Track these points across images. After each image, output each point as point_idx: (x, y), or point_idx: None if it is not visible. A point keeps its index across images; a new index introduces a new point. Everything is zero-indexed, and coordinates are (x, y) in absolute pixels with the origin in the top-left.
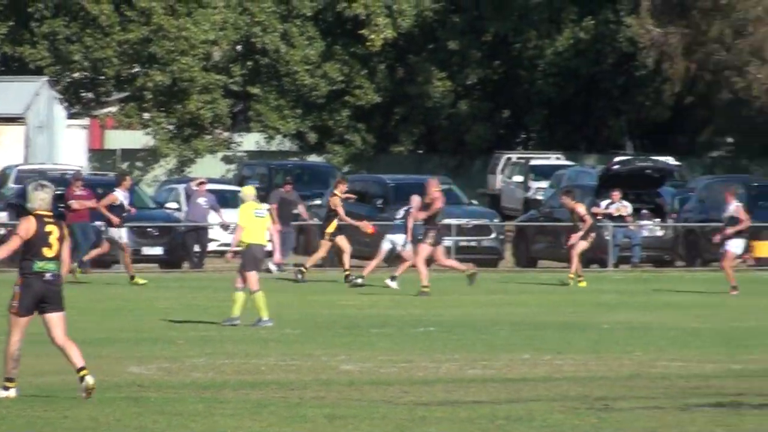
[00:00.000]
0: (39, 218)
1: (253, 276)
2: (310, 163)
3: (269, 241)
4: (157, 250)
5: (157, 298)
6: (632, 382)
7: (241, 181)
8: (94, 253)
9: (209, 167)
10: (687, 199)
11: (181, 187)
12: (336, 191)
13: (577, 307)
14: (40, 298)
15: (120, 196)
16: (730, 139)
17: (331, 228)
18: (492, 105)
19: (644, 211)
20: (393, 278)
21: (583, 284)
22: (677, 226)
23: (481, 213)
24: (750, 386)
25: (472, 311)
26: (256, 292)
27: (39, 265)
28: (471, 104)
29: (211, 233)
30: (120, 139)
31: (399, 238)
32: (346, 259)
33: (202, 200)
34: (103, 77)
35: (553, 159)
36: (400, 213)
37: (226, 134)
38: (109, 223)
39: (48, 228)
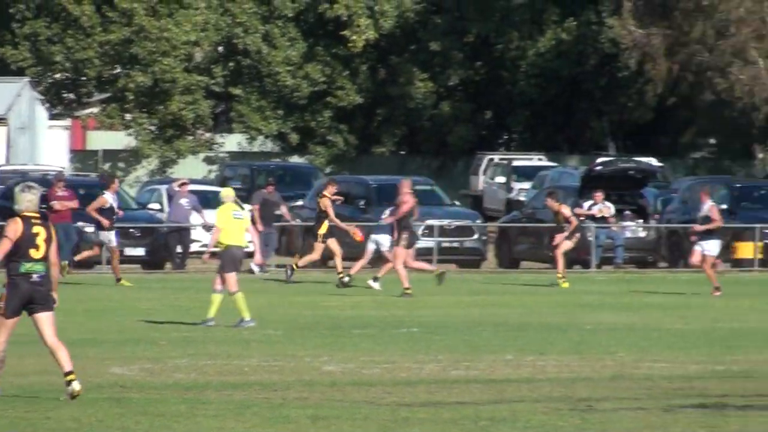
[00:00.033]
0: (26, 220)
1: (231, 277)
2: (292, 164)
3: (249, 242)
4: (140, 251)
5: (139, 299)
6: (615, 383)
7: (223, 182)
8: (86, 254)
9: (191, 168)
10: (669, 200)
11: (163, 188)
12: (325, 192)
13: (560, 308)
14: (28, 299)
15: (109, 198)
16: (712, 140)
17: (322, 229)
18: (474, 106)
19: (627, 212)
20: (375, 279)
21: (566, 285)
22: (660, 227)
23: (463, 214)
24: (733, 387)
25: (455, 312)
26: (236, 293)
27: (26, 266)
28: (453, 105)
29: (194, 234)
30: (102, 140)
31: (383, 239)
32: (338, 262)
33: (184, 201)
34: (84, 78)
35: (536, 160)
36: (386, 213)
37: (207, 135)
38: (100, 227)
39: (35, 229)
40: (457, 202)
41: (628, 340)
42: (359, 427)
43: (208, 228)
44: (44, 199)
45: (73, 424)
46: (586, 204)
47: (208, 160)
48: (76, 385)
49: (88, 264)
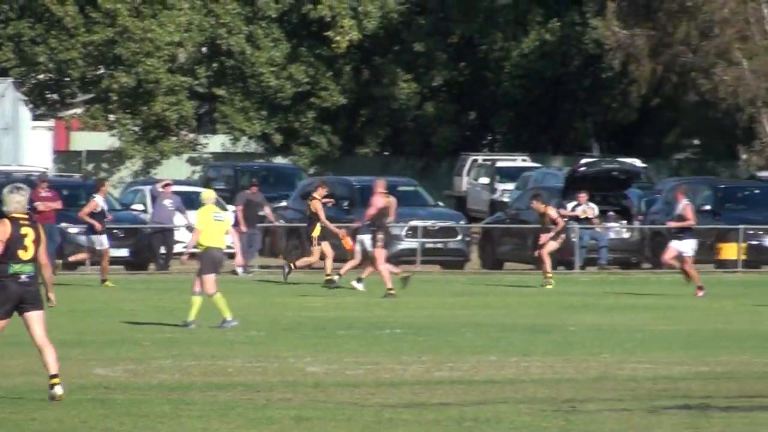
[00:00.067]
0: (14, 221)
1: (209, 279)
2: (275, 164)
3: (229, 245)
4: (123, 252)
5: (123, 300)
6: (599, 384)
7: (206, 182)
8: (80, 256)
9: (175, 169)
10: (653, 201)
11: (146, 189)
12: (315, 195)
13: (543, 309)
14: (18, 300)
15: (100, 201)
16: (696, 141)
17: (315, 232)
18: (458, 107)
19: (611, 213)
20: (359, 280)
21: (551, 286)
22: (644, 228)
23: (447, 215)
24: (717, 388)
25: (439, 313)
26: (214, 294)
27: (15, 267)
28: (437, 106)
29: (177, 235)
30: (85, 141)
31: (367, 238)
32: (329, 264)
33: (167, 202)
34: (68, 79)
35: (519, 161)
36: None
37: (191, 136)
38: (91, 230)
39: (23, 230)
40: (440, 203)
41: (612, 341)
42: (343, 428)
43: (191, 229)
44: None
45: (58, 425)
46: (570, 205)
47: (192, 161)
48: (58, 390)
49: (73, 265)
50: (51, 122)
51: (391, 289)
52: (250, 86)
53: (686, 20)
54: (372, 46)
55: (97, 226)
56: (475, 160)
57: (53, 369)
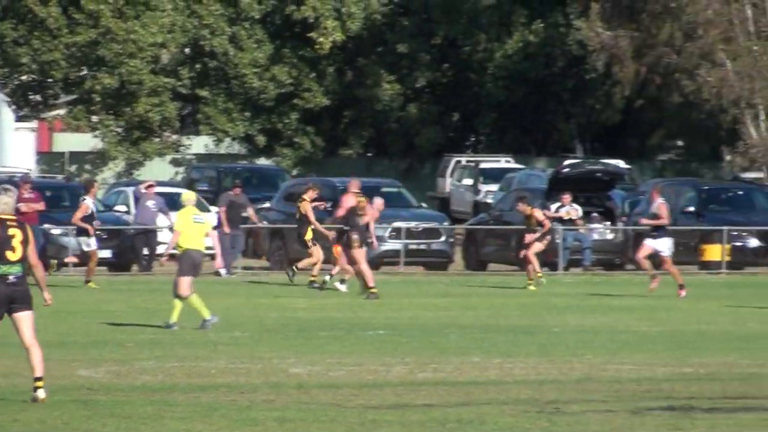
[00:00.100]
0: (2, 222)
1: (185, 281)
2: (258, 166)
3: (209, 247)
4: (106, 253)
5: (106, 301)
6: (583, 386)
7: (190, 183)
8: (72, 258)
9: (158, 170)
10: (637, 203)
11: (129, 190)
12: (305, 197)
13: (527, 311)
14: (8, 301)
15: (90, 204)
16: (680, 142)
17: (308, 235)
18: (441, 108)
19: (594, 215)
20: (342, 282)
21: (534, 288)
22: (627, 230)
23: (430, 216)
24: (700, 390)
25: (422, 314)
26: (188, 296)
27: (2, 269)
28: (420, 107)
29: (160, 236)
30: (68, 142)
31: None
32: (317, 266)
33: (150, 203)
34: (51, 80)
35: (503, 162)
36: None
37: (174, 137)
38: (84, 233)
39: (11, 231)
40: (424, 204)
41: (596, 342)
42: (326, 430)
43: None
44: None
45: (40, 426)
46: (554, 206)
47: (175, 162)
48: (41, 393)
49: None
50: (34, 123)
51: (372, 288)
52: (233, 87)
53: (670, 21)
54: (355, 48)
55: (91, 230)
56: (459, 162)
57: (38, 372)
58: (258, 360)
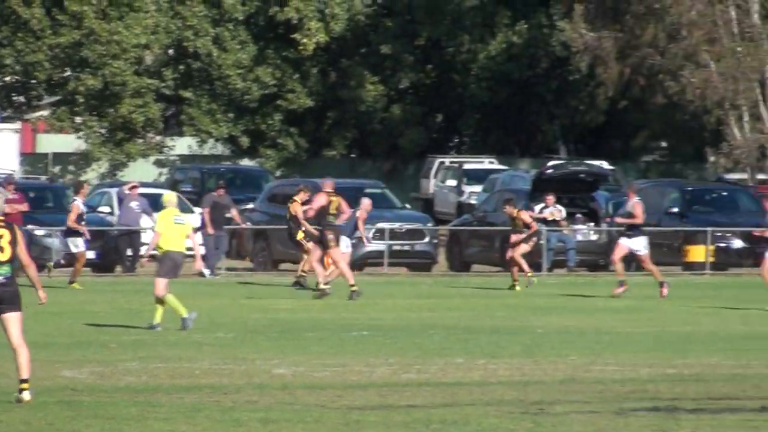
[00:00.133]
0: None
1: (161, 282)
2: (242, 167)
3: (190, 248)
4: (90, 254)
5: (89, 302)
6: (567, 387)
7: (173, 185)
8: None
9: (141, 171)
10: (621, 204)
11: (113, 191)
12: (296, 198)
13: (511, 311)
14: None
15: (80, 205)
16: (664, 144)
17: (300, 236)
18: (425, 109)
19: (578, 216)
20: (326, 283)
21: (519, 289)
22: (611, 231)
23: (414, 217)
24: (685, 390)
25: (406, 315)
26: (164, 297)
27: None
28: (404, 108)
29: (144, 237)
30: (52, 143)
31: (342, 241)
32: (304, 266)
33: (134, 204)
34: (34, 81)
35: (487, 163)
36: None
37: (158, 138)
38: (74, 234)
39: None
40: (407, 206)
41: (580, 343)
42: (310, 431)
43: None
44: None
45: (24, 427)
46: (538, 207)
47: (159, 163)
48: (26, 395)
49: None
50: (17, 124)
51: (353, 286)
52: (216, 88)
53: (654, 22)
54: (339, 49)
55: (86, 233)
56: (443, 163)
57: (25, 373)
58: (242, 361)
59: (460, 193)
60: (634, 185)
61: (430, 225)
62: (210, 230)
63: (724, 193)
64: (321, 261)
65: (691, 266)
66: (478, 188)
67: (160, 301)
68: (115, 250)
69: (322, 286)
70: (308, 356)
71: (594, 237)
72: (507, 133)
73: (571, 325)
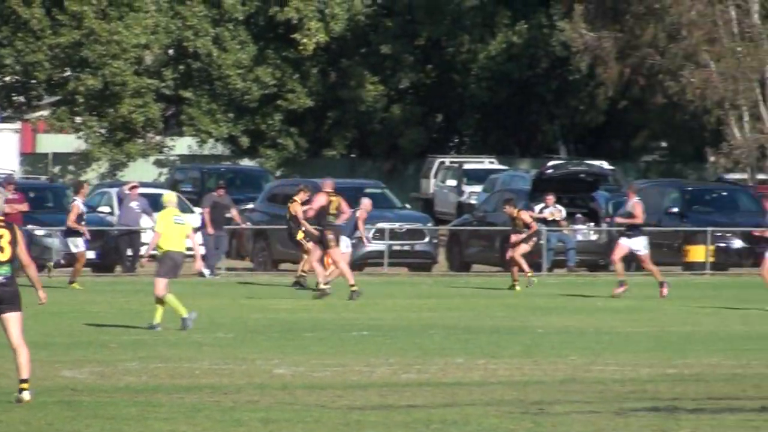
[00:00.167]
0: None
1: (160, 282)
2: (242, 167)
3: (190, 248)
4: (90, 254)
5: (89, 302)
6: (567, 387)
7: (173, 184)
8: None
9: (141, 171)
10: (621, 204)
11: (113, 191)
12: (296, 198)
13: (511, 311)
14: None
15: (80, 205)
16: (664, 144)
17: (300, 235)
18: (425, 109)
19: (578, 216)
20: (326, 283)
21: (519, 289)
22: (611, 231)
23: (414, 217)
24: (685, 390)
25: (406, 315)
26: (164, 296)
27: None
28: (404, 108)
29: (144, 237)
30: (52, 143)
31: (341, 240)
32: (303, 265)
33: (134, 204)
34: (34, 81)
35: (487, 163)
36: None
37: (158, 138)
38: (74, 234)
39: None
40: (407, 206)
41: (580, 343)
42: (310, 431)
43: None
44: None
45: (24, 427)
46: (538, 207)
47: (159, 163)
48: (26, 395)
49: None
50: (17, 124)
51: (353, 286)
52: (216, 88)
53: (654, 22)
54: (339, 49)
55: (86, 232)
56: (443, 163)
57: (24, 373)
58: (242, 361)
59: (460, 193)
60: (633, 185)
61: (430, 225)
62: (210, 230)
63: (724, 193)
64: (321, 261)
65: (691, 266)
66: (478, 188)
67: (160, 301)
68: (115, 250)
69: (322, 286)
70: (308, 356)
71: (594, 237)
72: (507, 133)
73: (571, 325)
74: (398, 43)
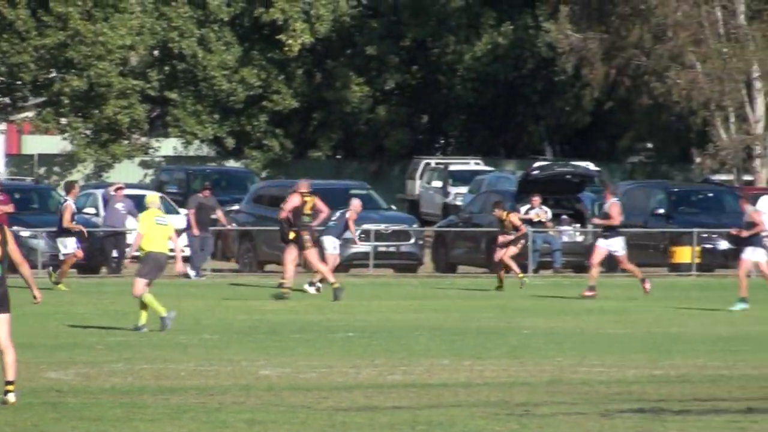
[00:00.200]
0: None
1: (140, 282)
2: (227, 168)
3: (171, 250)
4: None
5: (75, 304)
6: (553, 388)
7: (159, 186)
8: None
9: (127, 172)
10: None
11: (98, 192)
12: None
13: (497, 313)
14: None
15: (72, 205)
16: (650, 145)
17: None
18: (410, 110)
19: (564, 217)
20: (311, 284)
21: (502, 290)
22: (597, 232)
23: (400, 218)
24: (671, 392)
25: (392, 317)
26: (141, 295)
27: None
28: (389, 109)
29: (129, 238)
30: (37, 144)
31: (328, 241)
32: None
33: (120, 205)
34: (19, 82)
35: (472, 164)
36: (336, 215)
37: (143, 139)
38: (65, 234)
39: None
40: (393, 207)
41: (566, 344)
42: None
43: None
44: None
45: (9, 429)
46: (523, 208)
47: (144, 165)
48: (11, 397)
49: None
50: (3, 126)
51: (334, 283)
52: (202, 90)
53: (639, 23)
54: (324, 50)
55: (84, 230)
56: (428, 164)
57: (10, 375)
58: (227, 362)
59: (446, 194)
60: (610, 186)
61: (415, 226)
62: (195, 231)
63: (710, 195)
64: (295, 262)
65: (677, 267)
66: (463, 189)
67: (144, 304)
68: (100, 251)
69: (284, 289)
70: (294, 357)
71: (580, 238)
72: (493, 134)
73: (557, 327)
74: (383, 44)
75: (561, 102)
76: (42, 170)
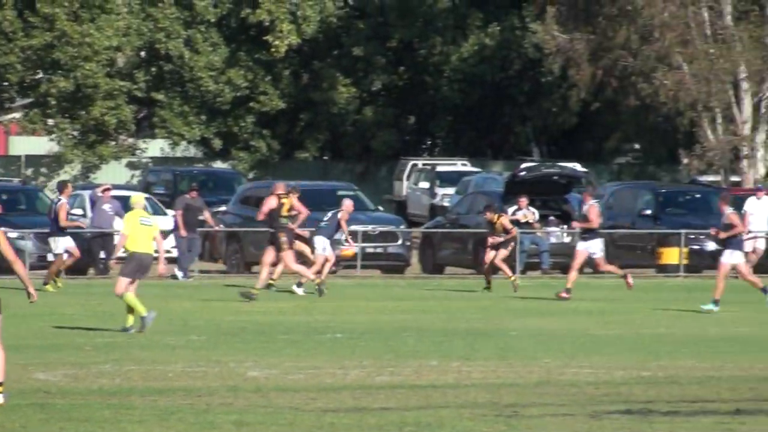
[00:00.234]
0: None
1: (122, 281)
2: (215, 169)
3: (156, 251)
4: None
5: (63, 305)
6: (541, 389)
7: (146, 187)
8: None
9: (114, 173)
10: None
11: (86, 194)
12: (284, 201)
13: (484, 314)
14: None
15: (66, 204)
16: (637, 146)
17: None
18: (397, 111)
19: (551, 218)
20: (299, 285)
21: (490, 291)
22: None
23: (387, 219)
24: (659, 393)
25: (380, 318)
26: (122, 294)
27: None
28: (376, 110)
29: (117, 239)
30: (24, 146)
31: (318, 242)
32: (279, 270)
33: (107, 206)
34: (6, 83)
35: (459, 165)
36: (328, 215)
37: (130, 140)
38: (53, 232)
39: None
40: (380, 208)
41: (554, 345)
42: None
43: None
44: None
45: None
46: (511, 209)
47: (131, 166)
48: (0, 398)
49: (4, 269)
50: None
51: (316, 280)
52: (189, 91)
53: (626, 24)
54: (311, 51)
55: (83, 225)
56: (415, 165)
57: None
58: (215, 363)
59: (433, 195)
60: (589, 188)
61: (403, 227)
62: (183, 232)
63: (698, 196)
64: (274, 264)
65: (664, 268)
66: (450, 190)
67: (131, 309)
68: (87, 252)
69: (255, 290)
70: (282, 359)
71: (567, 239)
72: (480, 135)
73: (545, 328)
74: (370, 45)
75: (548, 103)
76: (29, 171)
